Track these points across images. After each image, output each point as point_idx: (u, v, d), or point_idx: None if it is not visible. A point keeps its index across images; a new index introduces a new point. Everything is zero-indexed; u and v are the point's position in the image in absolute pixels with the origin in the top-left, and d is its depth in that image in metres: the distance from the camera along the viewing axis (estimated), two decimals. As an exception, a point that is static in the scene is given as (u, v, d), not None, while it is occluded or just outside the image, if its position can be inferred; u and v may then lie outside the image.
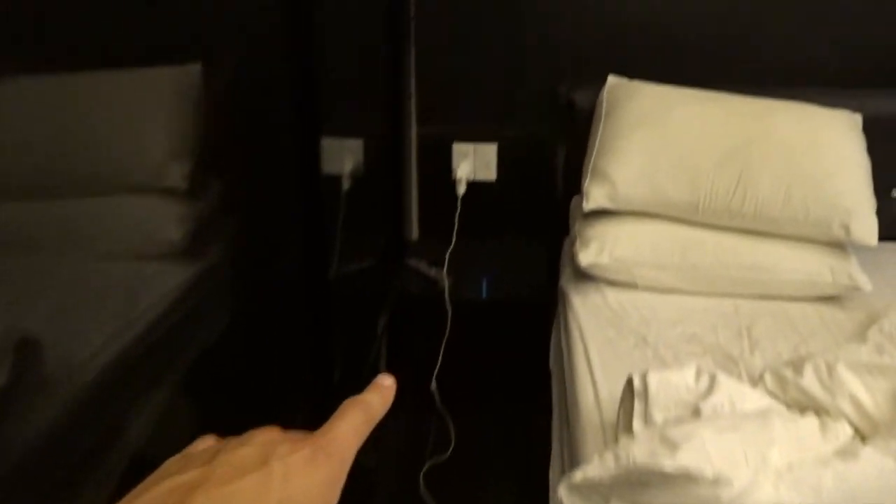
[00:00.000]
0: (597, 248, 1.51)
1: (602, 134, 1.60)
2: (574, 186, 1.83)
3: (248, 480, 0.32)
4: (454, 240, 1.80)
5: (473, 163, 1.93)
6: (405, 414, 1.86)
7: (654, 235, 1.53)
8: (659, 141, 1.53)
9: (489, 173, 1.94)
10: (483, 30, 1.84)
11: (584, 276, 1.55)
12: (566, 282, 1.64)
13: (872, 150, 1.59)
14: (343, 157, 1.91)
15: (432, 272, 1.78)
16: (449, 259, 1.78)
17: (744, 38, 1.80)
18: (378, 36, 1.82)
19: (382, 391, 0.41)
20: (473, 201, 1.92)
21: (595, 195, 1.54)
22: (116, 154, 1.14)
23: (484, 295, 1.71)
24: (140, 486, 0.32)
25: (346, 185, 1.87)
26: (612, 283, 1.55)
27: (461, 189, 1.89)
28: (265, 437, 0.35)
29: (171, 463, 0.35)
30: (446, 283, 1.73)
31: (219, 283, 1.38)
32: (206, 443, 0.37)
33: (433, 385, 1.71)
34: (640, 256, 1.51)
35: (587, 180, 1.56)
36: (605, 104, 1.65)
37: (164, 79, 1.28)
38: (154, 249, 1.18)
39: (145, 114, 1.25)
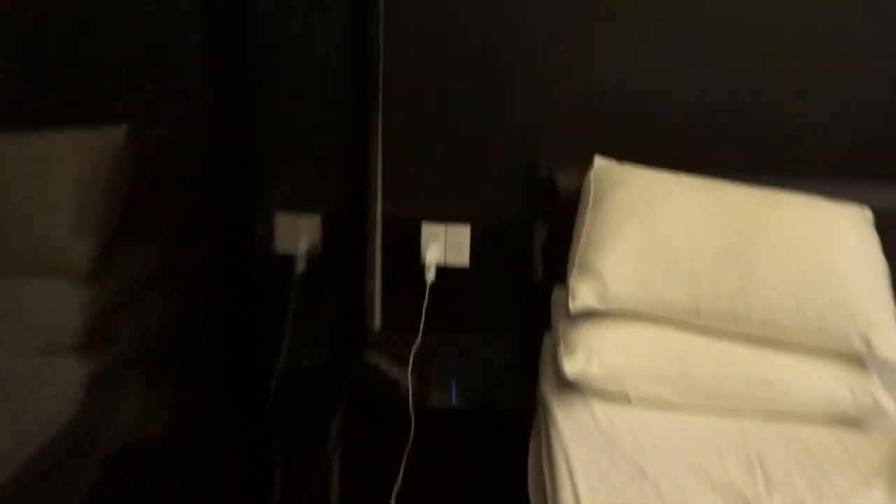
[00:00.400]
0: (584, 355, 1.32)
1: (589, 224, 1.42)
2: (555, 274, 1.65)
3: None
4: (421, 334, 1.60)
5: (444, 245, 1.74)
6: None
7: (648, 342, 1.34)
8: (652, 235, 1.36)
9: (461, 257, 1.75)
10: (455, 100, 1.67)
11: (569, 385, 1.35)
12: (547, 388, 1.43)
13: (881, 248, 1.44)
14: (298, 234, 1.71)
15: (394, 371, 1.57)
16: (414, 356, 1.57)
17: (739, 119, 1.66)
18: (342, 104, 1.64)
19: None
20: (444, 289, 1.73)
21: (582, 294, 1.35)
22: (11, 229, 0.97)
23: (453, 400, 1.50)
24: None
25: (300, 265, 1.66)
26: (601, 395, 1.35)
27: (430, 275, 1.69)
28: None
29: None
30: (410, 386, 1.52)
31: (130, 379, 1.15)
32: None
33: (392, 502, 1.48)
34: (634, 367, 1.32)
35: (573, 276, 1.38)
36: (592, 190, 1.48)
37: (79, 143, 1.10)
38: (52, 340, 0.98)
39: (50, 183, 1.06)
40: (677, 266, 1.33)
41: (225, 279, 1.31)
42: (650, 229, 1.37)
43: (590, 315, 1.38)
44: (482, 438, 1.54)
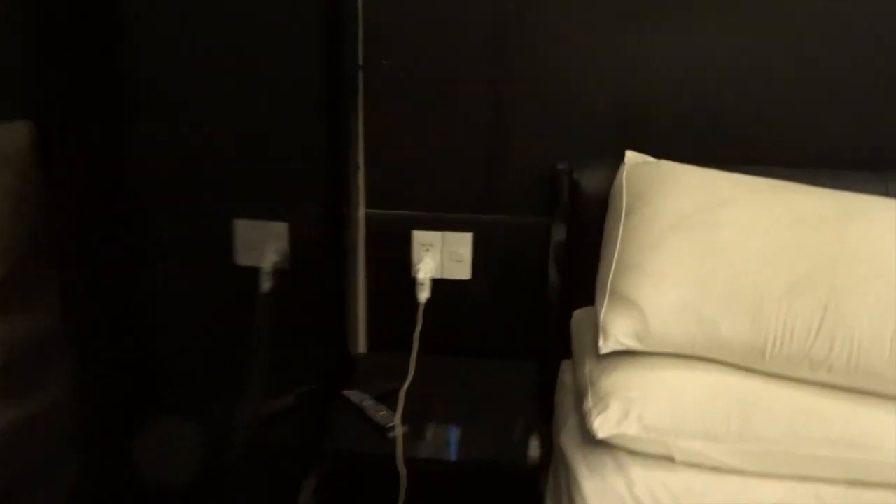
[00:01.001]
0: (619, 410, 1.03)
1: (623, 239, 1.13)
2: (575, 292, 1.36)
3: None
4: (412, 370, 1.31)
5: (441, 257, 1.45)
6: None
7: (701, 392, 1.06)
8: (706, 253, 1.07)
9: (462, 270, 1.46)
10: (453, 84, 1.37)
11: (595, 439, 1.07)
12: (568, 441, 1.15)
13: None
14: (263, 245, 1.41)
15: (381, 415, 1.29)
16: (406, 397, 1.29)
17: (768, 112, 1.36)
18: (315, 84, 1.34)
19: None
20: (440, 308, 1.44)
21: (616, 332, 1.06)
22: None
23: (453, 455, 1.22)
24: None
25: (266, 282, 1.37)
26: (638, 454, 1.07)
27: (423, 294, 1.40)
28: None
29: None
30: (400, 435, 1.23)
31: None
32: None
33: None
34: (682, 423, 1.04)
35: (604, 308, 1.09)
36: (624, 195, 1.18)
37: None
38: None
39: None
40: (739, 294, 1.04)
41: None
42: (704, 246, 1.07)
43: (624, 354, 1.10)
44: (487, 498, 1.27)
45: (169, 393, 1.26)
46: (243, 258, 1.39)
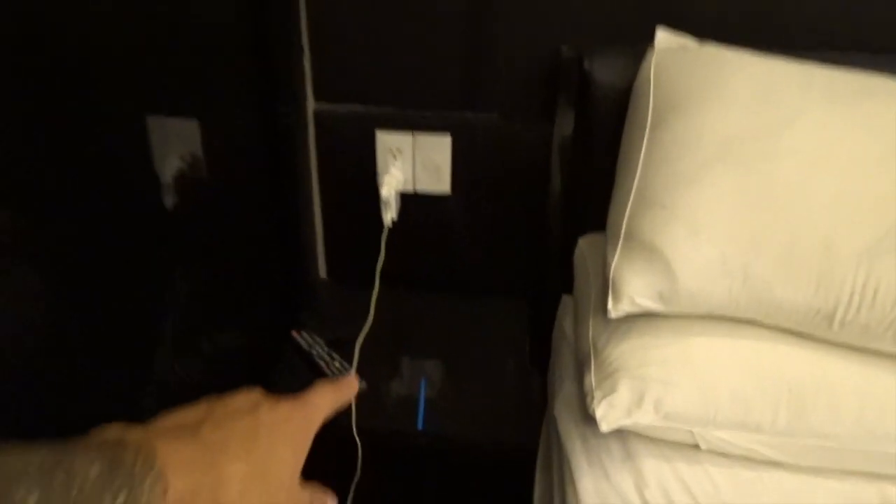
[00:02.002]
0: (631, 394, 0.78)
1: (646, 164, 0.83)
2: (580, 215, 1.08)
3: (241, 422, 0.41)
4: (372, 313, 1.05)
5: (412, 166, 1.15)
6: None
7: (741, 369, 0.80)
8: (764, 196, 0.77)
9: (438, 183, 1.17)
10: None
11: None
12: (563, 414, 0.92)
13: None
14: (165, 146, 1.11)
15: (335, 367, 1.04)
16: (366, 345, 1.04)
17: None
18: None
19: (351, 382, 0.53)
20: (412, 232, 1.16)
21: (632, 289, 0.79)
22: None
23: (420, 424, 0.99)
24: (156, 422, 0.41)
25: (168, 196, 1.09)
26: (652, 440, 0.84)
27: (389, 213, 1.11)
28: (254, 395, 0.45)
29: (183, 408, 0.42)
30: (353, 402, 1.00)
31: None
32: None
33: (336, 557, 1.01)
34: (714, 411, 0.79)
35: (616, 257, 0.81)
36: (651, 97, 0.87)
37: None
38: None
39: None
40: (803, 250, 0.76)
41: None
42: (759, 183, 0.77)
43: (639, 318, 0.83)
44: (462, 476, 1.05)
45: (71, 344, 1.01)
46: (152, 163, 1.09)
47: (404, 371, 1.08)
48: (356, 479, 1.00)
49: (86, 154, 1.01)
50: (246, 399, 0.44)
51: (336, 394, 0.50)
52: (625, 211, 0.81)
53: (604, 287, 0.87)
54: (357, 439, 0.98)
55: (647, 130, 0.84)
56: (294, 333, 1.12)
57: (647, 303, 0.79)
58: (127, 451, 0.34)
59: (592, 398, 0.79)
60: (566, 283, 1.11)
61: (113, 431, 0.38)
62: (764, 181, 0.76)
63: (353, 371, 1.02)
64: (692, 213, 0.77)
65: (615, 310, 0.80)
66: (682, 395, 0.78)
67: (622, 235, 0.81)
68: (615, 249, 0.81)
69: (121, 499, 0.31)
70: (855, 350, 0.80)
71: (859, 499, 0.81)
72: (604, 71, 0.97)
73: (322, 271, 1.28)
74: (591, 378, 0.81)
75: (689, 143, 0.79)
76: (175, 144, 1.05)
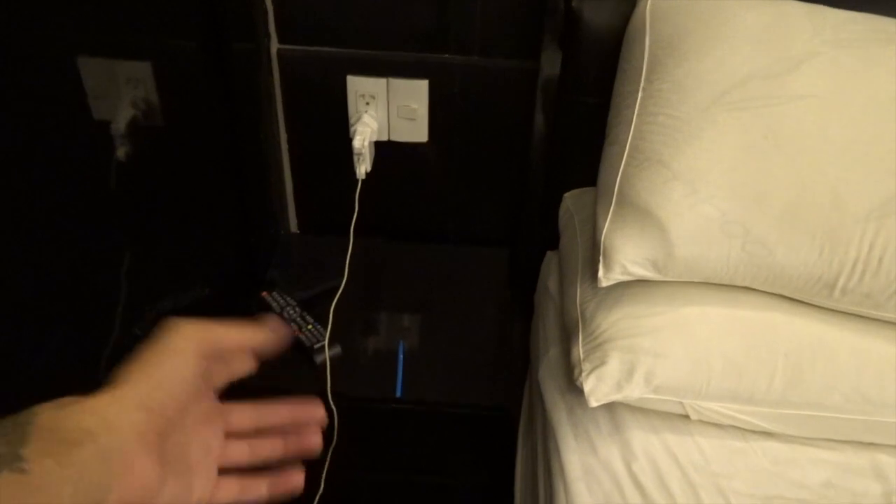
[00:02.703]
0: (621, 366, 0.74)
1: (641, 117, 0.76)
2: (567, 165, 1.02)
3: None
4: (347, 271, 0.99)
5: (387, 113, 1.07)
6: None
7: (735, 337, 0.75)
8: (767, 149, 0.71)
9: (415, 131, 1.09)
10: None
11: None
12: (548, 382, 0.87)
13: None
14: (116, 94, 1.02)
15: (308, 329, 0.99)
16: (340, 304, 0.99)
17: None
18: None
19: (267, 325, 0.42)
20: (388, 181, 1.09)
21: (624, 256, 0.73)
22: None
23: (398, 391, 0.94)
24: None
25: (120, 146, 1.00)
26: (641, 410, 0.80)
27: (362, 165, 1.04)
28: None
29: None
30: (328, 361, 0.95)
31: None
32: None
33: (313, 522, 0.99)
34: (707, 381, 0.75)
35: (607, 221, 0.75)
36: (647, 39, 0.79)
37: None
38: None
39: None
40: (808, 209, 0.70)
41: None
42: (762, 134, 0.71)
43: (630, 285, 0.78)
44: (442, 442, 1.01)
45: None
46: (99, 111, 1.00)
47: (381, 332, 1.03)
48: (332, 446, 0.96)
49: (24, 103, 0.92)
50: None
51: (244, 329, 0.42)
52: (617, 169, 0.75)
53: (593, 252, 0.81)
54: (333, 406, 0.94)
55: (643, 79, 0.76)
56: (264, 294, 1.06)
57: (640, 271, 0.74)
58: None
59: (580, 371, 0.75)
60: (548, 235, 1.06)
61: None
62: (769, 129, 0.70)
63: (326, 338, 0.97)
64: (691, 168, 0.71)
65: (606, 279, 0.74)
66: (673, 366, 0.74)
67: (614, 197, 0.75)
68: (606, 213, 0.75)
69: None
70: (853, 317, 0.76)
71: (850, 468, 0.78)
72: (594, 10, 0.88)
73: (293, 225, 1.21)
74: (580, 349, 0.77)
75: (688, 91, 0.73)
76: (126, 89, 0.96)
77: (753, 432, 0.79)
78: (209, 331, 0.40)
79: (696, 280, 0.76)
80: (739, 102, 0.72)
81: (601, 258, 0.74)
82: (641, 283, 0.78)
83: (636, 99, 0.76)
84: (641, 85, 0.76)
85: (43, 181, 0.74)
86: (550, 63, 0.97)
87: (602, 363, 0.74)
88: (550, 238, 1.07)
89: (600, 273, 0.74)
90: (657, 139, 0.73)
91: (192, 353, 0.38)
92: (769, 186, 0.71)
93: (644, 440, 0.78)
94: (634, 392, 0.74)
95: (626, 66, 0.80)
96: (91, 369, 0.93)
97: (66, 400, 0.34)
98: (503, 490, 1.03)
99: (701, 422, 0.79)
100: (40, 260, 0.83)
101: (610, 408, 0.80)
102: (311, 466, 0.97)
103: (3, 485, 0.29)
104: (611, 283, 0.75)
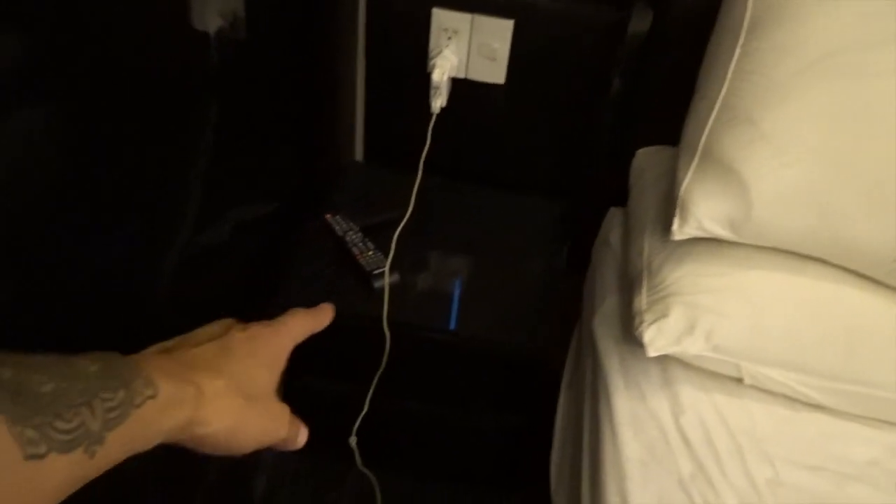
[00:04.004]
0: (682, 321, 0.74)
1: (736, 75, 0.75)
2: (638, 121, 1.01)
3: (214, 343, 0.44)
4: (412, 203, 1.01)
5: (468, 50, 1.07)
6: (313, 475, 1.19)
7: (798, 306, 0.75)
8: (858, 117, 0.70)
9: (493, 72, 1.09)
10: None
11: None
12: (601, 331, 0.89)
13: None
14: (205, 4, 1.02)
15: (368, 255, 1.01)
16: (402, 237, 1.00)
17: None
18: None
19: (326, 311, 0.52)
20: (459, 119, 1.09)
21: (702, 212, 0.73)
22: None
23: (452, 323, 0.96)
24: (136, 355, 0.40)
25: (214, 55, 1.00)
26: (694, 368, 0.81)
27: (438, 99, 1.04)
28: (225, 321, 0.47)
29: (156, 344, 0.44)
30: (387, 288, 0.97)
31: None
32: None
33: (352, 440, 1.02)
34: (765, 347, 0.75)
35: (689, 175, 0.75)
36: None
37: None
38: None
39: None
40: (890, 181, 0.69)
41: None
42: (854, 102, 0.70)
43: (698, 243, 0.78)
44: (492, 378, 1.03)
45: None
46: (196, 20, 1.01)
47: (438, 266, 1.04)
48: (381, 371, 0.99)
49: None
50: (218, 326, 0.46)
51: (310, 320, 0.51)
52: (705, 125, 0.74)
53: (665, 206, 0.81)
54: (386, 332, 0.96)
55: (742, 36, 0.75)
56: (328, 216, 1.08)
57: (716, 228, 0.74)
58: (117, 359, 0.35)
59: (641, 321, 0.76)
60: (613, 190, 1.06)
61: (96, 353, 0.38)
62: (864, 101, 0.69)
63: (387, 265, 0.99)
64: (781, 130, 0.70)
65: (679, 232, 0.74)
66: (734, 327, 0.74)
67: (699, 152, 0.74)
68: (688, 167, 0.75)
69: (120, 395, 0.33)
70: (924, 300, 0.75)
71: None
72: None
73: (358, 153, 1.22)
74: (642, 299, 0.77)
75: (786, 53, 0.71)
76: (216, 1, 0.97)
77: (803, 403, 0.80)
78: (297, 337, 0.49)
79: (768, 245, 0.76)
80: (837, 70, 0.70)
81: (677, 211, 0.74)
82: (710, 242, 0.78)
83: (732, 56, 0.75)
84: (740, 42, 0.75)
85: (131, 81, 0.75)
86: (641, 15, 0.95)
87: (664, 315, 0.75)
88: (613, 193, 1.07)
89: (674, 226, 0.75)
90: (749, 98, 0.72)
91: (282, 361, 0.47)
92: (858, 158, 0.70)
93: (694, 397, 0.79)
94: (693, 348, 0.75)
95: (725, 22, 0.79)
96: (156, 271, 0.96)
97: (166, 357, 0.42)
98: (538, 433, 1.06)
99: (752, 387, 0.80)
100: (121, 157, 0.84)
101: (662, 361, 0.81)
102: (358, 389, 1.00)
103: (147, 410, 0.35)
104: (683, 237, 0.75)
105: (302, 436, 0.48)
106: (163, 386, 0.36)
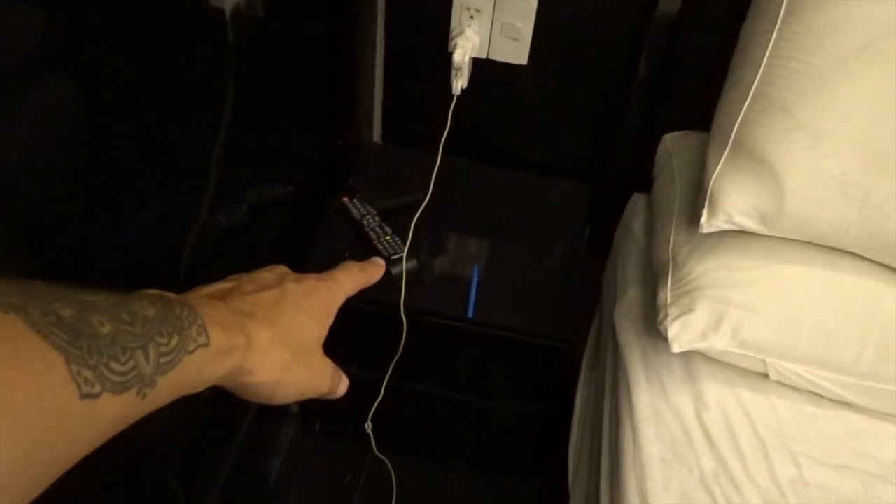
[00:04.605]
0: (708, 316, 0.72)
1: (771, 61, 0.71)
2: (665, 105, 0.98)
3: (268, 293, 0.43)
4: (432, 187, 0.98)
5: (490, 29, 1.04)
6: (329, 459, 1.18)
7: (831, 302, 0.73)
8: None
9: (516, 52, 1.05)
10: None
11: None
12: (623, 322, 0.87)
13: None
14: None
15: (386, 240, 0.99)
16: (418, 222, 0.98)
17: None
18: None
19: (377, 265, 0.54)
20: (480, 100, 1.07)
21: (732, 204, 0.71)
22: None
23: (470, 312, 0.94)
24: (188, 292, 0.43)
25: (231, 33, 0.98)
26: (718, 364, 0.79)
27: (459, 80, 1.01)
28: (280, 269, 0.47)
29: (212, 283, 0.45)
30: (404, 274, 0.95)
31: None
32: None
33: (368, 426, 1.01)
34: (795, 343, 0.73)
35: (719, 165, 0.72)
36: (789, -22, 0.74)
37: None
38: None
39: None
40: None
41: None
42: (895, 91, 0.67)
43: (727, 236, 0.75)
44: (509, 365, 1.01)
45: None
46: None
47: (457, 251, 1.03)
48: (397, 357, 0.97)
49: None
50: (272, 273, 0.46)
51: (361, 274, 0.51)
52: (738, 113, 0.71)
53: (693, 195, 0.79)
54: (403, 319, 0.94)
55: (779, 20, 0.72)
56: (345, 199, 1.06)
57: (746, 221, 0.71)
58: (173, 303, 0.35)
59: (666, 315, 0.74)
60: (636, 176, 1.03)
61: (153, 292, 0.39)
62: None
63: (405, 251, 0.97)
64: (819, 120, 0.67)
65: (708, 224, 0.72)
66: (763, 323, 0.72)
67: (730, 141, 0.71)
68: (719, 156, 0.72)
69: (174, 341, 0.34)
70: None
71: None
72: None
73: (376, 134, 1.20)
74: (667, 293, 0.75)
75: (826, 38, 0.68)
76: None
77: (830, 400, 0.78)
78: (349, 292, 0.49)
79: (801, 238, 0.73)
80: (880, 56, 0.67)
81: (706, 203, 0.72)
82: (739, 234, 0.75)
83: (768, 41, 0.72)
84: (777, 26, 0.72)
85: (148, 61, 0.73)
86: (669, 8, 0.92)
87: (689, 310, 0.72)
88: (636, 178, 1.04)
89: (703, 218, 0.72)
90: (785, 85, 0.69)
91: (332, 315, 0.47)
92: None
93: (718, 392, 0.77)
94: (719, 343, 0.73)
95: (760, 4, 0.76)
96: (173, 253, 0.94)
97: (221, 303, 0.41)
98: (556, 421, 1.04)
99: (778, 383, 0.78)
100: (137, 140, 0.83)
101: (685, 356, 0.79)
102: (374, 375, 0.98)
103: (198, 357, 0.35)
104: (712, 229, 0.73)
105: (343, 386, 0.48)
106: (215, 334, 0.36)
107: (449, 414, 1.13)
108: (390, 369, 0.98)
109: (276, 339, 0.42)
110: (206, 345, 0.36)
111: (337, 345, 1.08)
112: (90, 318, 0.30)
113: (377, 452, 1.04)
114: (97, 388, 0.29)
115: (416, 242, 0.98)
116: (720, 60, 0.82)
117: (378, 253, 0.98)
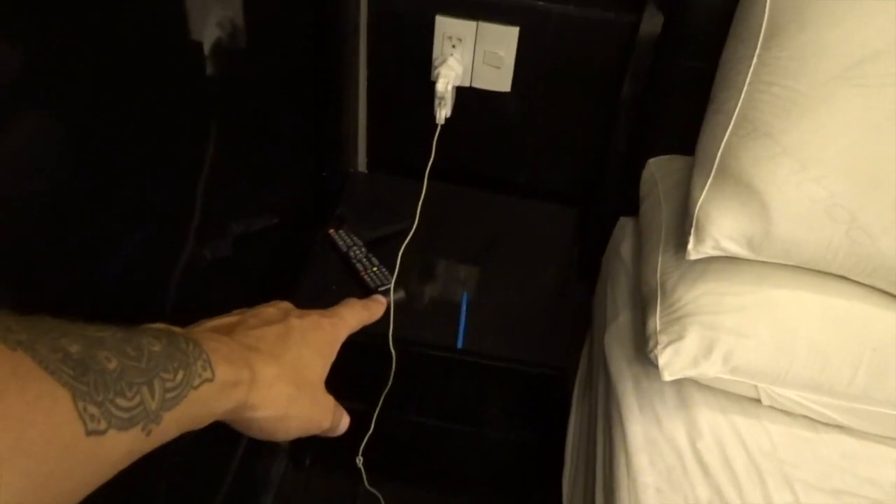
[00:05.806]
0: (699, 343, 0.72)
1: (753, 85, 0.71)
2: (650, 128, 0.99)
3: (272, 328, 0.44)
4: (418, 218, 0.98)
5: (472, 58, 1.04)
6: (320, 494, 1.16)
7: (823, 325, 0.72)
8: (890, 128, 0.67)
9: (499, 80, 1.06)
10: None
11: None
12: (614, 349, 0.86)
13: None
14: (204, 11, 0.99)
15: (373, 272, 0.98)
16: (405, 252, 0.98)
17: None
18: None
19: (380, 302, 0.54)
20: (465, 128, 1.07)
21: (718, 230, 0.70)
22: None
23: (460, 342, 0.94)
24: (193, 326, 0.44)
25: (209, 65, 0.98)
26: (711, 390, 0.78)
27: (443, 109, 1.01)
28: (283, 305, 0.48)
29: (217, 317, 0.45)
30: (393, 306, 0.94)
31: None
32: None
33: (359, 460, 1.00)
34: (787, 367, 0.72)
35: (704, 192, 0.72)
36: (768, 1, 0.74)
37: None
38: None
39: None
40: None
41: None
42: (883, 114, 0.67)
43: (717, 261, 0.75)
44: (499, 396, 1.00)
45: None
46: (192, 31, 0.98)
47: (445, 280, 1.02)
48: (387, 390, 0.96)
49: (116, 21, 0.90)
50: (276, 308, 0.47)
51: (364, 311, 0.52)
52: (721, 138, 0.71)
53: (679, 220, 0.78)
54: (392, 350, 0.93)
55: (759, 44, 0.72)
56: (331, 231, 1.05)
57: (733, 247, 0.71)
58: (179, 338, 0.36)
59: (656, 343, 0.73)
60: (623, 200, 1.03)
61: (159, 326, 0.39)
62: (888, 113, 0.66)
63: (392, 282, 0.96)
64: (803, 144, 0.67)
65: (695, 251, 0.72)
66: (755, 348, 0.71)
67: (714, 167, 0.71)
68: (704, 182, 0.71)
69: (179, 376, 0.34)
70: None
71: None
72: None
73: (361, 163, 1.19)
74: (657, 320, 0.75)
75: (809, 61, 0.68)
76: (214, 10, 0.94)
77: (825, 424, 0.77)
78: (352, 328, 0.50)
79: (789, 263, 0.73)
80: (865, 79, 0.67)
81: (692, 230, 0.71)
82: (728, 259, 0.75)
83: (749, 65, 0.72)
84: (757, 51, 0.72)
85: (129, 96, 0.72)
86: (653, 18, 0.92)
87: (680, 337, 0.72)
88: (623, 202, 1.04)
89: (690, 245, 0.72)
90: (768, 110, 0.69)
91: (335, 351, 0.48)
92: (885, 172, 0.67)
93: (711, 419, 0.76)
94: (711, 370, 0.72)
95: (740, 29, 0.76)
96: (158, 286, 0.93)
97: (226, 338, 0.41)
98: (549, 449, 1.03)
99: (772, 408, 0.77)
100: (122, 170, 0.82)
101: (677, 383, 0.78)
102: (364, 408, 0.97)
103: (203, 392, 0.35)
104: (699, 256, 0.72)
105: (344, 423, 0.49)
106: (220, 369, 0.37)
107: (441, 444, 1.12)
108: (380, 402, 0.97)
109: (281, 374, 0.42)
110: (211, 380, 0.36)
111: (327, 378, 1.07)
112: (97, 354, 0.30)
113: (368, 486, 1.03)
114: (103, 425, 0.29)
115: (404, 272, 0.97)
116: (702, 82, 0.82)
117: (365, 285, 0.98)
